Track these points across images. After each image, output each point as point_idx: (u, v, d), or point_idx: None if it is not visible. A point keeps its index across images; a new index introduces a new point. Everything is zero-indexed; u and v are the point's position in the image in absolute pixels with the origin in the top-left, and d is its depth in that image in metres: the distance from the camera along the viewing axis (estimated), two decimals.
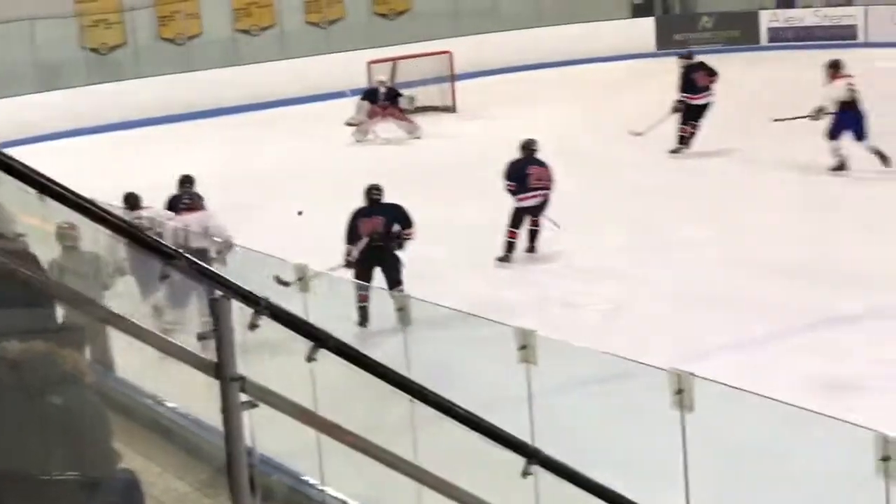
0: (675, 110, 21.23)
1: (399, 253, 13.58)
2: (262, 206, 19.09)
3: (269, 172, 21.47)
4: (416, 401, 4.89)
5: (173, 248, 3.95)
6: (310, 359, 4.23)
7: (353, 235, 13.70)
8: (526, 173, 16.05)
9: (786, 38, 32.11)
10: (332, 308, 9.08)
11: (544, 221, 15.98)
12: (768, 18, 32.53)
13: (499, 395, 7.95)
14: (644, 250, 15.24)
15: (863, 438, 5.22)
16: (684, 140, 21.05)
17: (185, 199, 14.32)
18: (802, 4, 33.55)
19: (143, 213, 13.59)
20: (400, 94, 24.66)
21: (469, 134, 23.30)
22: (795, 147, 20.12)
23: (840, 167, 18.49)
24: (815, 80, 24.09)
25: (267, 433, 6.24)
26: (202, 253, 12.26)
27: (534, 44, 30.75)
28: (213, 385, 3.99)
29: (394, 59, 26.95)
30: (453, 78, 27.17)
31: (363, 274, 13.28)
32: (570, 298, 13.64)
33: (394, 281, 13.30)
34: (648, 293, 13.64)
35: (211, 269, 3.96)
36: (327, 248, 15.28)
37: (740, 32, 32.69)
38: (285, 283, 15.14)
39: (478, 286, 14.02)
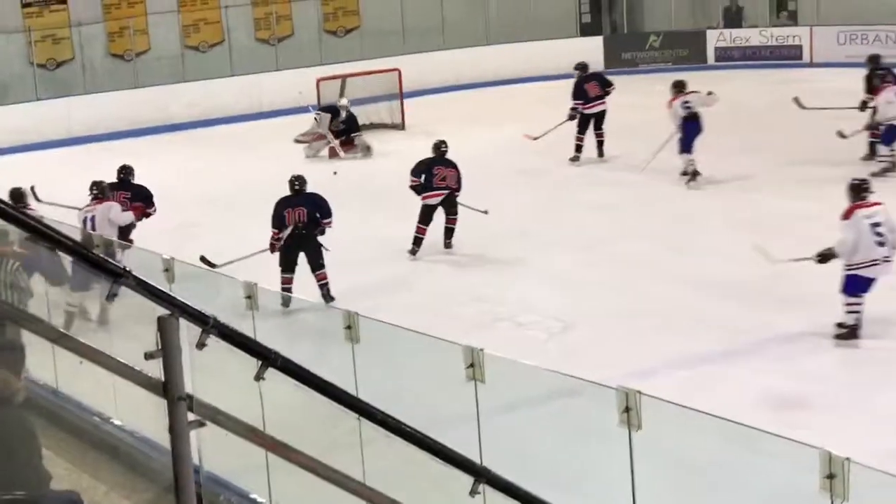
0: (571, 118, 22.25)
1: (321, 239, 14.73)
2: (210, 223, 19.02)
3: (217, 189, 21.41)
4: (364, 420, 4.88)
5: (120, 266, 3.93)
6: (258, 377, 4.23)
7: (278, 222, 14.87)
8: (432, 173, 16.95)
9: (733, 57, 32.36)
10: (282, 325, 9.06)
11: (456, 219, 16.95)
12: (715, 38, 32.77)
13: (447, 413, 7.95)
14: (592, 267, 15.29)
15: (809, 456, 5.25)
16: (579, 148, 22.13)
17: (94, 190, 15.63)
18: (749, 24, 33.80)
19: (32, 210, 13.89)
20: (357, 130, 24.52)
21: (418, 151, 23.20)
22: (738, 164, 20.27)
23: (694, 175, 19.37)
24: (760, 99, 24.29)
25: (215, 451, 6.23)
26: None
27: (482, 62, 30.89)
28: (160, 404, 3.98)
29: (343, 77, 26.95)
30: (402, 95, 27.18)
31: (288, 258, 14.67)
32: (519, 317, 13.65)
33: (316, 264, 14.62)
34: (596, 311, 13.67)
35: (159, 288, 3.95)
36: (273, 265, 15.28)
37: (688, 51, 32.91)
38: (211, 265, 15.49)
39: (426, 303, 14.02)
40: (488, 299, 14.30)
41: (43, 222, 3.93)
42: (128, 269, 3.89)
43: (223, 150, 25.23)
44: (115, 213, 15.58)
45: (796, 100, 21.31)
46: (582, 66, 23.09)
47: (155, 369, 3.97)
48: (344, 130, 24.37)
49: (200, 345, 4.06)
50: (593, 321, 13.36)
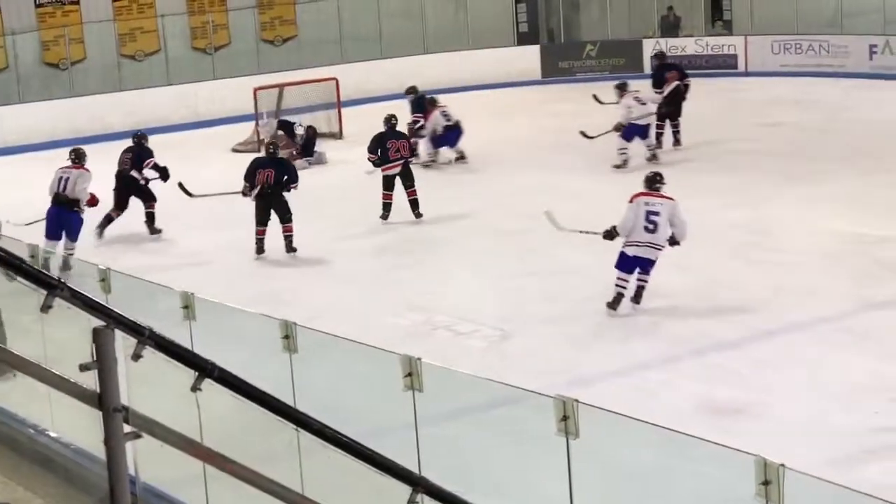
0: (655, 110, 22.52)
1: (286, 195, 17.20)
2: (142, 232, 18.91)
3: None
4: (301, 430, 4.87)
5: (55, 278, 3.90)
6: (194, 388, 4.21)
7: (250, 177, 17.32)
8: (386, 146, 18.79)
9: None
10: (219, 333, 9.01)
11: (415, 189, 18.87)
12: (651, 47, 32.94)
13: (385, 423, 7.94)
14: (529, 276, 15.32)
15: (745, 462, 5.29)
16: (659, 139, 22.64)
17: (72, 155, 17.67)
18: (685, 34, 34.02)
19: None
20: (314, 151, 24.42)
21: (356, 160, 23.26)
22: (672, 172, 20.40)
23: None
24: (695, 107, 24.48)
25: (151, 462, 6.19)
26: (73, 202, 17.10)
27: (419, 70, 30.88)
28: (96, 415, 3.95)
29: (280, 86, 26.90)
30: (340, 104, 27.15)
31: (260, 211, 17.16)
32: (456, 325, 13.66)
33: (284, 218, 17.12)
34: (534, 319, 13.70)
35: (94, 299, 3.92)
36: (209, 274, 15.23)
37: (624, 60, 33.08)
38: (189, 193, 17.11)
39: (363, 312, 14.01)
40: (425, 308, 14.30)
41: None
42: (62, 280, 3.86)
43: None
44: (80, 181, 17.25)
45: (582, 132, 21.74)
46: (660, 55, 24.47)
47: (90, 381, 3.94)
48: (303, 149, 24.19)
49: (136, 356, 4.04)
50: (531, 329, 13.38)
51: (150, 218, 19.04)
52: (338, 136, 26.77)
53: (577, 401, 5.96)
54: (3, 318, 10.67)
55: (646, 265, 13.89)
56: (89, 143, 26.94)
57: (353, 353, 8.02)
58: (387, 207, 18.74)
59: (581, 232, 14.95)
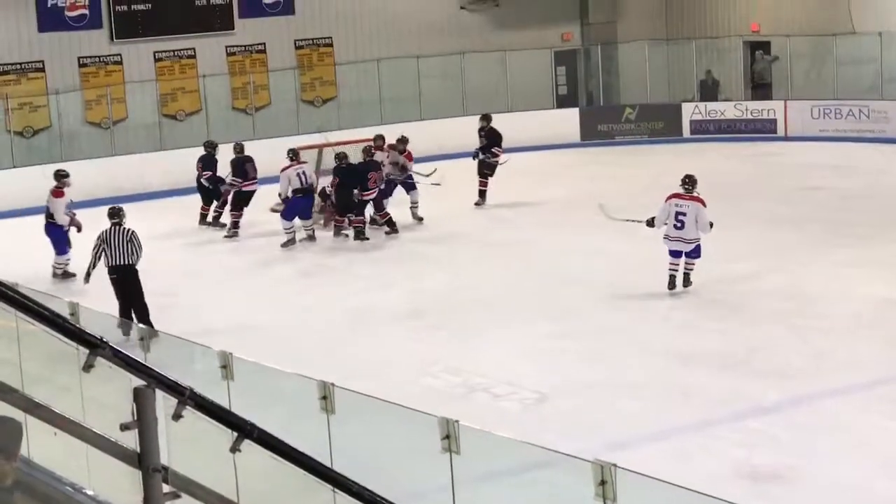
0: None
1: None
2: (185, 292, 18.99)
3: (193, 258, 21.39)
4: (339, 491, 4.87)
5: (97, 336, 3.93)
6: (233, 449, 4.21)
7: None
8: (367, 177, 21.82)
9: (708, 130, 32.55)
10: (257, 393, 9.03)
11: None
12: (691, 111, 32.99)
13: (422, 485, 7.93)
14: (566, 338, 15.29)
15: None
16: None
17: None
18: (724, 98, 34.04)
19: None
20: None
21: (396, 218, 23.33)
22: (712, 237, 20.36)
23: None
24: (734, 171, 24.49)
25: None
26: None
27: (458, 132, 30.93)
28: (135, 474, 3.96)
29: (320, 146, 26.98)
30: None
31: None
32: (494, 387, 13.63)
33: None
34: (571, 382, 13.66)
35: (135, 359, 3.94)
36: (248, 334, 15.26)
37: (663, 124, 33.10)
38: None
39: (401, 373, 14.00)
40: (462, 369, 14.28)
41: (17, 290, 3.92)
42: (104, 339, 3.88)
43: (199, 219, 25.20)
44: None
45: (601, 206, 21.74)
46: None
47: (130, 440, 3.96)
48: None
49: (176, 416, 4.05)
50: (568, 392, 13.34)
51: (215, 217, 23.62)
52: None
53: (615, 465, 5.93)
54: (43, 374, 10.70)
55: (682, 255, 17.04)
56: (129, 201, 27.16)
57: (391, 415, 8.01)
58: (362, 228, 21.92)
59: (628, 220, 18.34)
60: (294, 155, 22.68)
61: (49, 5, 29.41)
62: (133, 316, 15.80)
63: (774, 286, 17.18)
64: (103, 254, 16.43)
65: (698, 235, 17.07)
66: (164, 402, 4.08)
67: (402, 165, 23.16)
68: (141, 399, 3.80)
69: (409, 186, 23.40)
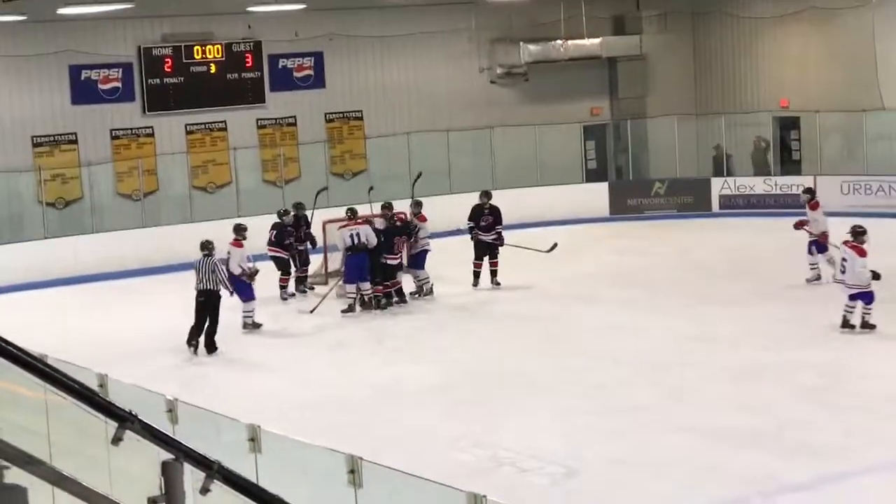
0: None
1: None
2: (215, 362, 19.03)
3: (221, 329, 21.39)
4: None
5: (126, 410, 3.93)
6: None
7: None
8: (392, 241, 22.41)
9: (737, 205, 32.54)
10: (284, 466, 9.00)
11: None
12: (720, 185, 32.99)
13: None
14: (594, 414, 15.23)
15: None
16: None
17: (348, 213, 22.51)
18: (754, 173, 34.03)
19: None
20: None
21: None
22: (739, 314, 20.31)
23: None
24: (763, 247, 24.47)
25: None
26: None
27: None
28: None
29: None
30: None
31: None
32: (521, 461, 13.58)
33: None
34: (599, 458, 13.60)
35: (164, 432, 3.94)
36: (276, 407, 15.25)
37: (692, 199, 33.09)
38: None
39: (428, 447, 13.96)
40: (490, 443, 14.23)
41: (48, 363, 3.93)
42: (133, 412, 3.89)
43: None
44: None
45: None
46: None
47: None
48: None
49: (204, 490, 4.05)
50: (596, 469, 13.28)
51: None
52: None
53: None
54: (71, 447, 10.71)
55: (857, 298, 18.65)
56: (159, 273, 27.32)
57: (419, 489, 7.97)
58: (387, 296, 22.46)
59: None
60: (352, 214, 22.86)
61: (83, 78, 29.69)
62: (199, 339, 19.54)
63: (805, 363, 17.09)
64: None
65: (856, 281, 18.54)
66: (192, 476, 4.08)
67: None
68: (169, 473, 3.80)
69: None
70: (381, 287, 22.37)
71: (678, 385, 16.47)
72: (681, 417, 14.89)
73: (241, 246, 21.22)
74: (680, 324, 19.90)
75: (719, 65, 36.15)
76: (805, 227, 22.99)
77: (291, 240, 24.21)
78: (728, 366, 17.22)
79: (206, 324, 19.57)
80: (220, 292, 19.70)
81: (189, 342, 19.56)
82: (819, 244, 22.86)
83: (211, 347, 19.62)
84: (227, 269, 20.29)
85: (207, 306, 19.55)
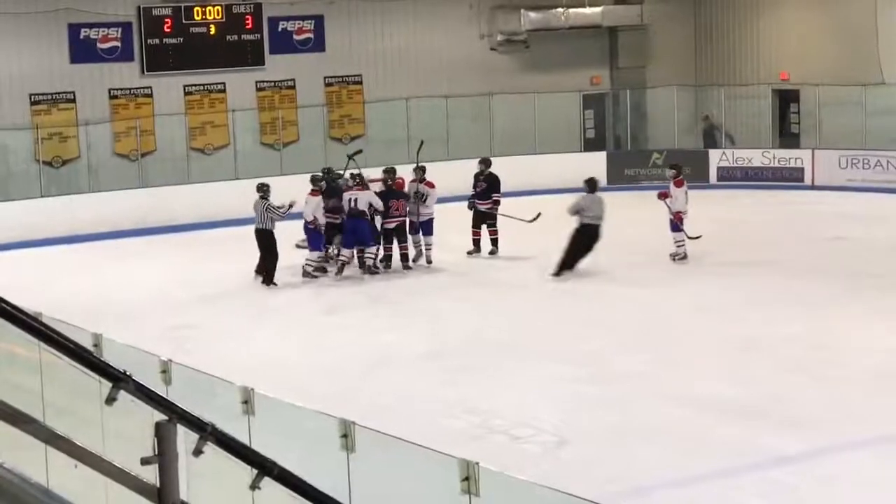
0: None
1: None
2: (210, 325, 19.03)
3: (218, 292, 21.42)
4: None
5: (120, 370, 3.94)
6: (254, 487, 4.21)
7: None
8: (389, 204, 22.47)
9: (735, 177, 32.54)
10: (277, 430, 9.02)
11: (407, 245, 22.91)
12: (718, 157, 32.97)
13: None
14: (587, 382, 15.26)
15: None
16: None
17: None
18: (704, 146, 34.11)
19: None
20: None
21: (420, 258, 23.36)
22: (735, 284, 20.33)
23: None
24: (759, 219, 24.48)
25: None
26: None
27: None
28: None
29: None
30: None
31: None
32: (513, 429, 13.61)
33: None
34: (592, 426, 13.63)
35: (157, 393, 3.95)
36: (270, 370, 15.27)
37: (690, 170, 33.02)
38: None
39: (420, 413, 13.98)
40: (482, 410, 14.26)
41: (43, 322, 3.94)
42: (127, 372, 3.90)
43: (224, 253, 25.28)
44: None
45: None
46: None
47: (150, 474, 3.96)
48: None
49: (197, 452, 4.06)
50: (588, 437, 13.31)
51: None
52: None
53: None
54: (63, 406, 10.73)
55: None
56: (155, 234, 27.31)
57: (411, 454, 7.99)
58: (386, 259, 22.67)
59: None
60: (360, 180, 22.90)
61: (82, 37, 29.63)
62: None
63: (798, 336, 17.13)
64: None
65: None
66: (185, 437, 4.08)
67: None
68: (163, 434, 3.81)
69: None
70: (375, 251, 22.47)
71: (670, 355, 16.50)
72: (672, 387, 14.92)
73: (317, 195, 22.18)
74: (674, 294, 19.93)
75: (720, 36, 36.09)
76: (666, 201, 22.98)
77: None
78: (721, 336, 17.25)
79: (266, 260, 21.75)
80: (273, 231, 21.68)
81: (256, 272, 21.93)
82: (673, 222, 22.81)
83: (268, 281, 21.64)
84: (304, 217, 22.08)
85: (262, 244, 21.77)
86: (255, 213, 21.91)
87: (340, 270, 22.16)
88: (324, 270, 22.29)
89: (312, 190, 22.31)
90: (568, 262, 21.53)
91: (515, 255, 23.35)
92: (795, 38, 34.17)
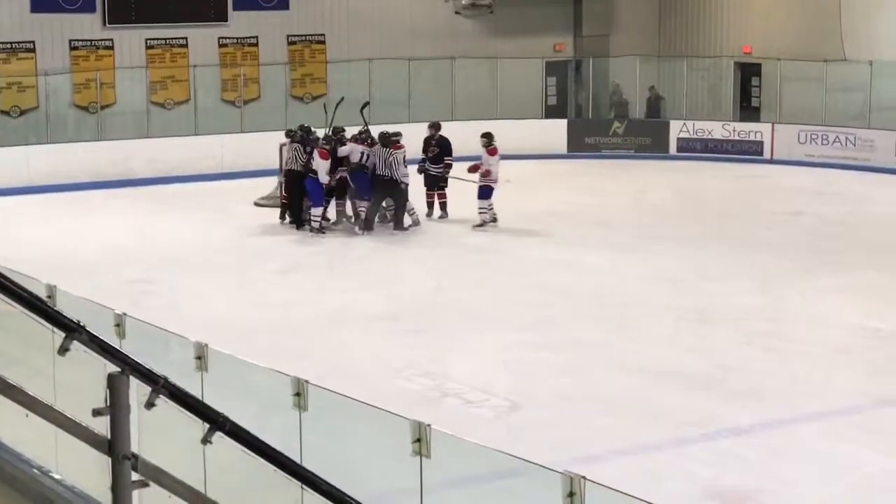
0: None
1: None
2: (163, 280, 18.95)
3: (173, 247, 21.35)
4: (307, 489, 4.86)
5: (74, 320, 3.91)
6: (205, 441, 4.19)
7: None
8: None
9: (694, 148, 32.62)
10: (230, 386, 9.00)
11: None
12: (678, 129, 33.04)
13: (391, 486, 7.91)
14: (541, 348, 15.29)
15: None
16: None
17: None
18: (647, 116, 34.30)
19: None
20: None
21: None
22: (692, 255, 20.41)
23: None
24: (718, 191, 24.55)
25: None
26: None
27: (447, 135, 30.94)
28: (103, 460, 3.94)
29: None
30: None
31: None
32: (466, 393, 13.63)
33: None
34: (544, 393, 13.66)
35: (111, 344, 3.92)
36: (225, 327, 15.23)
37: (650, 140, 33.15)
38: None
39: (373, 375, 13.99)
40: (436, 374, 14.28)
41: None
42: (81, 323, 3.87)
43: (182, 209, 25.20)
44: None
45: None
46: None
47: (101, 426, 3.94)
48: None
49: (149, 404, 4.04)
50: (541, 403, 13.34)
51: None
52: None
53: (584, 478, 5.93)
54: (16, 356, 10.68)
55: None
56: (112, 187, 27.16)
57: (363, 415, 8.00)
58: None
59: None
60: (367, 135, 23.41)
61: None
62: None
63: (753, 308, 17.21)
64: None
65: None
66: (137, 390, 4.06)
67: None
68: (115, 385, 3.78)
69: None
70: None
71: (626, 324, 16.56)
72: (627, 356, 14.98)
73: (327, 156, 22.36)
74: (631, 263, 19.97)
75: (684, 7, 36.13)
76: (478, 172, 23.20)
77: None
78: (677, 306, 17.31)
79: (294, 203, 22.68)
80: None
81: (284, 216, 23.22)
82: (483, 190, 23.11)
83: (298, 223, 22.79)
84: (321, 179, 22.21)
85: (291, 185, 22.85)
86: (289, 155, 22.85)
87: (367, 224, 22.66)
88: (326, 221, 22.64)
89: (321, 149, 22.40)
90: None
91: (471, 219, 23.32)
92: (759, 13, 34.26)
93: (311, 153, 22.57)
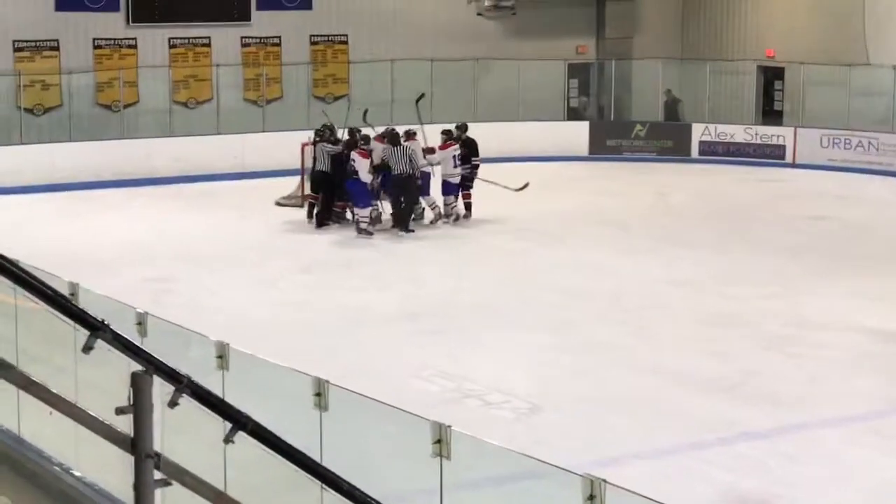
0: None
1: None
2: (185, 279, 19.01)
3: (194, 246, 21.40)
4: (328, 489, 4.87)
5: (98, 319, 3.93)
6: (227, 440, 4.21)
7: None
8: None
9: (716, 152, 32.53)
10: (251, 386, 9.02)
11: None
12: (700, 132, 32.96)
13: (411, 487, 7.93)
14: (562, 350, 15.29)
15: None
16: None
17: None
18: (665, 118, 34.18)
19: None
20: None
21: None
22: (714, 259, 20.38)
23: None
24: (739, 195, 24.48)
25: None
26: None
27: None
28: (126, 459, 3.96)
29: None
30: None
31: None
32: (487, 395, 13.64)
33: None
34: (565, 395, 13.67)
35: (135, 343, 3.94)
36: (246, 326, 15.26)
37: (672, 143, 33.07)
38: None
39: (395, 376, 14.00)
40: (457, 375, 14.28)
41: (21, 268, 3.92)
42: (106, 322, 3.89)
43: (203, 208, 25.25)
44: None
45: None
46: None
47: (124, 424, 3.96)
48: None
49: (173, 403, 4.06)
50: (561, 405, 13.35)
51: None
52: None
53: (604, 481, 5.93)
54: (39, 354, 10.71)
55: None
56: (134, 185, 27.22)
57: (384, 416, 8.01)
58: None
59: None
60: (405, 135, 23.37)
61: None
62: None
63: (773, 312, 17.18)
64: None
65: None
66: (160, 389, 4.08)
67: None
68: (138, 384, 3.81)
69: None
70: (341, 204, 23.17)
71: (646, 326, 16.54)
72: (646, 359, 14.97)
73: (367, 155, 22.41)
74: (652, 266, 19.95)
75: (708, 11, 36.04)
76: (437, 167, 23.68)
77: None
78: (696, 310, 17.30)
79: (327, 200, 22.79)
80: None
81: (311, 215, 23.12)
82: (447, 186, 23.61)
83: (319, 222, 22.86)
84: (363, 178, 22.17)
85: (322, 185, 22.91)
86: (318, 156, 22.93)
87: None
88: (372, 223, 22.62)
89: (361, 150, 22.46)
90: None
91: (495, 220, 23.33)
92: (783, 16, 34.17)
93: (340, 154, 22.71)
